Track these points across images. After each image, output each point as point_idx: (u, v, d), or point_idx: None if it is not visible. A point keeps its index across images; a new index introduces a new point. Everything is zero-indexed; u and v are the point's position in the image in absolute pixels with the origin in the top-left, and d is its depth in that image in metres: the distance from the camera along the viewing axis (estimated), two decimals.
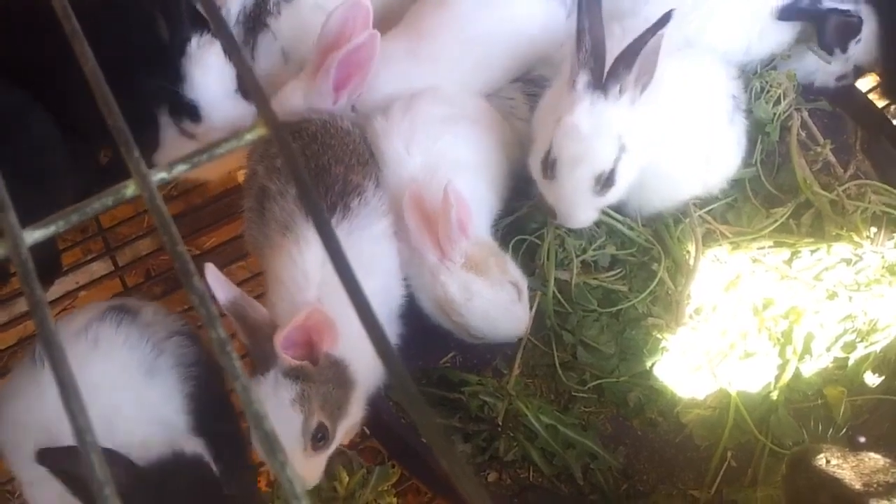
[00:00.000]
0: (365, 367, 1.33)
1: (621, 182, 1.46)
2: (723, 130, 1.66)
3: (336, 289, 1.30)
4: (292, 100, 1.58)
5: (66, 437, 1.03)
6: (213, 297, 1.31)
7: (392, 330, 1.49)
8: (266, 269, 1.46)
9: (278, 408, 1.22)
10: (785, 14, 1.77)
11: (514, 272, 1.53)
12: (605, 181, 1.44)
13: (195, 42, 1.63)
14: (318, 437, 1.25)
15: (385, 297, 1.46)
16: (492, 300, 1.47)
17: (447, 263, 1.45)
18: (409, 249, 1.50)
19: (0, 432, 1.36)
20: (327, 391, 1.26)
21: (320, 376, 1.25)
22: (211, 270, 1.25)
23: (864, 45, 1.83)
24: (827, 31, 1.75)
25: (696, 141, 1.63)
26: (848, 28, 1.77)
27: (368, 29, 1.50)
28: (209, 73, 1.63)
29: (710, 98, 1.64)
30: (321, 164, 1.46)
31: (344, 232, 1.40)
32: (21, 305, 1.88)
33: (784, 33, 1.81)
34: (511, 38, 1.67)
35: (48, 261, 1.85)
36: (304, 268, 1.36)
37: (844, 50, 1.79)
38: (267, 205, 1.47)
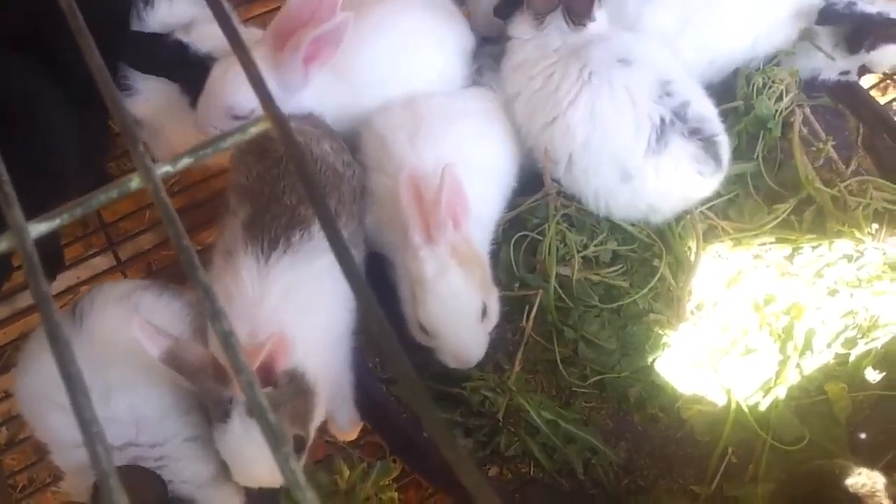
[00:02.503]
0: (318, 363, 1.32)
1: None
2: (639, 155, 1.60)
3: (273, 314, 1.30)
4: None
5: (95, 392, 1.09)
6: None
7: (345, 366, 1.48)
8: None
9: (256, 449, 1.20)
10: (824, 18, 1.75)
11: (494, 304, 1.50)
12: None
13: None
14: (297, 449, 1.24)
15: (328, 335, 1.42)
16: (457, 292, 1.43)
17: (431, 246, 1.42)
18: (400, 231, 1.47)
19: (28, 385, 1.39)
20: (293, 407, 1.24)
21: (282, 397, 1.23)
22: (138, 324, 1.20)
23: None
24: (866, 36, 1.74)
25: (601, 153, 1.62)
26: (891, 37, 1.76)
27: (336, 7, 1.48)
28: None
29: (618, 118, 1.60)
30: (275, 192, 1.42)
31: (284, 267, 1.36)
32: (23, 300, 1.88)
33: (790, 30, 1.80)
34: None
35: (51, 256, 1.85)
36: (240, 302, 1.33)
37: (869, 51, 1.79)
38: (226, 216, 1.46)
